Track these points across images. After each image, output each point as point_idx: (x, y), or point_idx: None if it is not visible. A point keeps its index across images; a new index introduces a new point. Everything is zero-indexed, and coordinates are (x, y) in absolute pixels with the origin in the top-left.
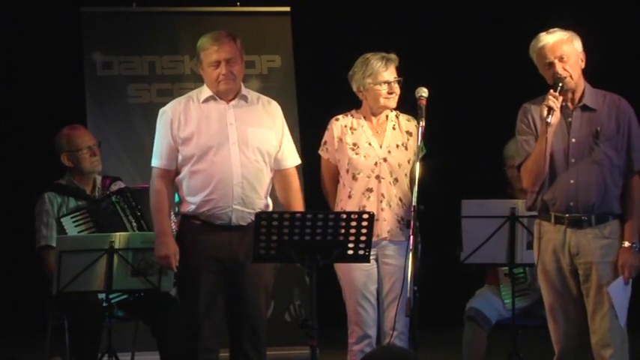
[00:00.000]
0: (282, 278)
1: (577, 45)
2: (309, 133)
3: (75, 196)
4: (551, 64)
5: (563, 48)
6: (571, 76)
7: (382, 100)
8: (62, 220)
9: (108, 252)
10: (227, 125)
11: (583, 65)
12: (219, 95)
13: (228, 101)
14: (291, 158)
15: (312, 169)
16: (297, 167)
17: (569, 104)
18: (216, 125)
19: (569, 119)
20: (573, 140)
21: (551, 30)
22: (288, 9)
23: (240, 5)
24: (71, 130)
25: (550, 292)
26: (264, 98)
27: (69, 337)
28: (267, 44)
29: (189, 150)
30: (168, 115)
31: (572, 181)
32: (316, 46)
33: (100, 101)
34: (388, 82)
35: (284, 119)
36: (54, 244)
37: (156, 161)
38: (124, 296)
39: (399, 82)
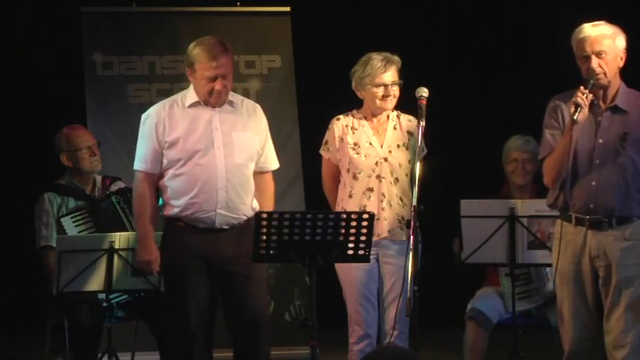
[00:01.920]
0: (282, 278)
1: (619, 42)
2: (309, 133)
3: (75, 196)
4: (588, 58)
5: (603, 43)
6: (605, 74)
7: (378, 102)
8: (62, 220)
9: (108, 252)
10: (212, 130)
11: (622, 64)
12: (207, 103)
13: (214, 106)
14: (273, 162)
15: (312, 169)
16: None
17: (601, 103)
18: (202, 130)
19: (599, 118)
20: (600, 141)
21: (597, 23)
22: (288, 9)
23: (240, 5)
24: (71, 130)
25: (565, 293)
26: (249, 102)
27: (69, 337)
28: (267, 44)
29: (175, 154)
30: (152, 119)
31: (593, 183)
32: (316, 46)
33: (100, 101)
34: (385, 85)
35: (267, 122)
36: (54, 245)
37: (139, 165)
38: (124, 296)
39: (399, 85)
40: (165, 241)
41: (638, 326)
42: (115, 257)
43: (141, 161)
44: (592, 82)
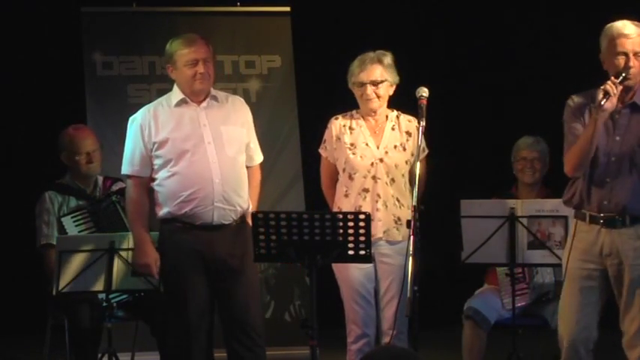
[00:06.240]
0: (282, 278)
1: None
2: (309, 133)
3: (75, 195)
4: (625, 55)
5: None
6: (635, 75)
7: (362, 102)
8: (62, 219)
9: (108, 252)
10: (200, 126)
11: None
12: (192, 96)
13: (199, 103)
14: (258, 155)
15: (312, 169)
16: (261, 164)
17: (619, 102)
18: (190, 127)
19: (617, 116)
20: (617, 139)
21: (637, 23)
22: (288, 9)
23: (240, 5)
24: (75, 132)
25: (569, 290)
26: (232, 97)
27: (69, 337)
28: (267, 44)
29: (165, 154)
30: (137, 122)
31: (607, 180)
32: (316, 46)
33: (100, 101)
34: (362, 84)
35: (251, 116)
36: (54, 243)
37: (127, 168)
38: (124, 296)
39: (385, 84)
40: (161, 243)
41: None
42: (115, 257)
43: (128, 164)
44: (624, 75)
